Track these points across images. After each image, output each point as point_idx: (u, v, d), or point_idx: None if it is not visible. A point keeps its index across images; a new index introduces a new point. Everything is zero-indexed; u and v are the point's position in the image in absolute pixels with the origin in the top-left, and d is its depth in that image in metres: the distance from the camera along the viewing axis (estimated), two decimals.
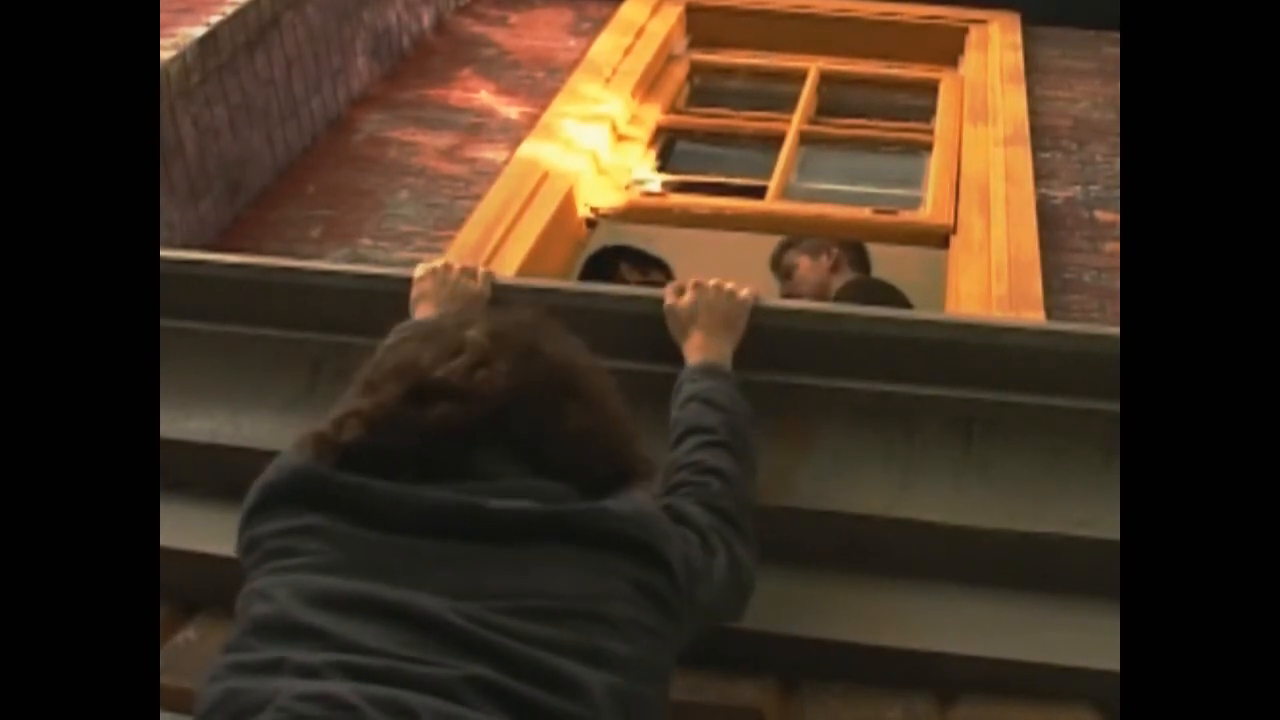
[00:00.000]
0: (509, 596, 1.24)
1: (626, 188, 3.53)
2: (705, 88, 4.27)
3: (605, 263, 3.69)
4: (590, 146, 3.51)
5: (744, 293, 1.90)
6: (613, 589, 1.30)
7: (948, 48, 4.25)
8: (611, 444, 1.45)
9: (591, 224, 3.42)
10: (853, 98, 4.18)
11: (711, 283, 1.90)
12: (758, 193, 3.47)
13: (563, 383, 1.43)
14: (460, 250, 2.93)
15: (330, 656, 1.16)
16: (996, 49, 4.14)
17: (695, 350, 1.82)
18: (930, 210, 3.38)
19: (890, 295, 3.37)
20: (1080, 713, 1.64)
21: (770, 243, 3.80)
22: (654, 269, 3.71)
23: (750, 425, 1.71)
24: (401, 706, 1.10)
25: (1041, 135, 3.64)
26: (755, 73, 4.28)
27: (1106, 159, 3.53)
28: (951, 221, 3.26)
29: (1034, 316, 2.73)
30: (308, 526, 1.31)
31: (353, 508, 1.31)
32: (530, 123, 3.63)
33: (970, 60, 4.13)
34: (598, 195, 3.43)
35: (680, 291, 1.90)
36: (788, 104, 3.97)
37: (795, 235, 3.72)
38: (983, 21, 4.31)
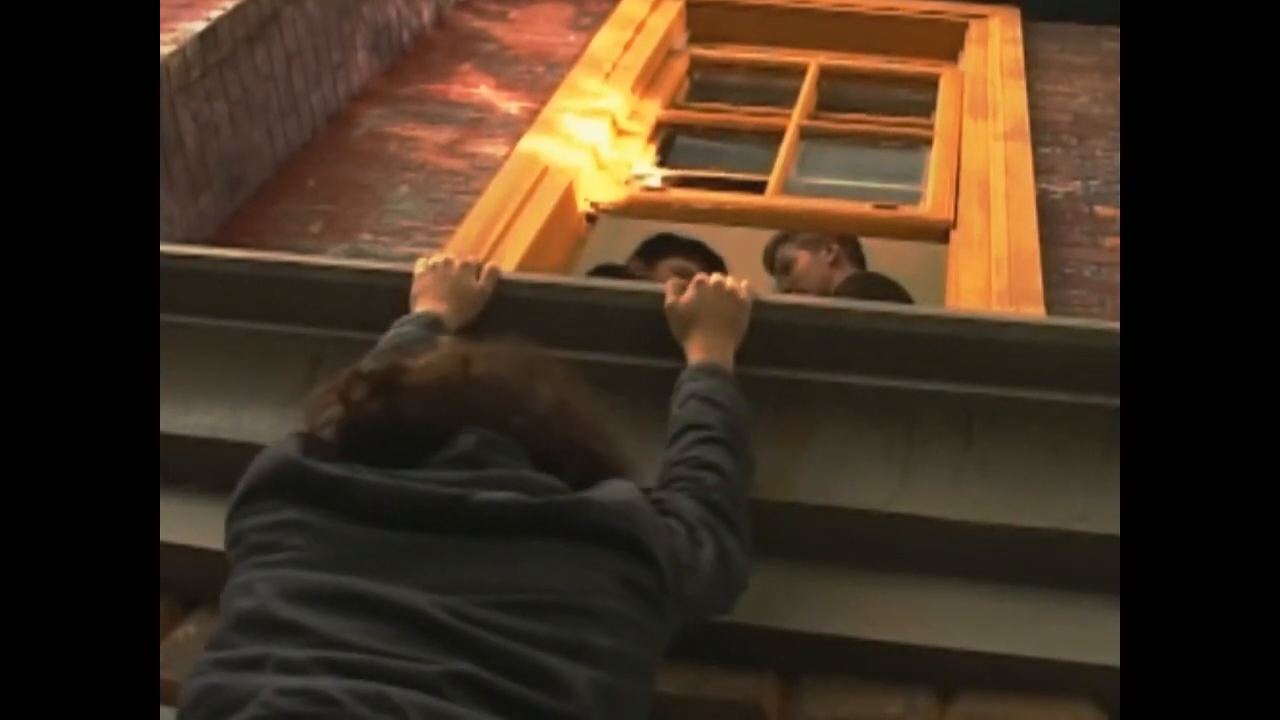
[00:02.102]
0: (491, 590, 1.24)
1: (626, 183, 3.53)
2: (705, 83, 4.28)
3: (658, 248, 3.58)
4: (590, 141, 3.51)
5: (744, 291, 1.89)
6: (597, 582, 1.29)
7: (948, 43, 4.24)
8: (591, 436, 1.46)
9: (591, 219, 3.42)
10: (853, 93, 4.19)
11: (712, 281, 1.89)
12: (758, 188, 3.47)
13: (540, 370, 1.47)
14: (460, 245, 2.93)
15: (313, 653, 1.15)
16: (996, 44, 4.13)
17: (697, 350, 1.81)
18: (930, 205, 3.38)
19: (890, 290, 3.36)
20: (1080, 708, 1.64)
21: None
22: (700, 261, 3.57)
23: (749, 426, 1.70)
24: (385, 701, 1.09)
25: (1041, 130, 3.64)
26: (755, 68, 4.28)
27: (1106, 154, 3.53)
28: (951, 216, 3.27)
29: (1034, 311, 2.73)
30: (290, 521, 1.31)
31: (333, 501, 1.30)
32: (530, 118, 3.63)
33: (970, 55, 4.13)
34: (598, 190, 3.43)
35: (680, 290, 1.89)
36: (788, 99, 3.97)
37: (787, 229, 3.71)
38: (983, 16, 4.31)
